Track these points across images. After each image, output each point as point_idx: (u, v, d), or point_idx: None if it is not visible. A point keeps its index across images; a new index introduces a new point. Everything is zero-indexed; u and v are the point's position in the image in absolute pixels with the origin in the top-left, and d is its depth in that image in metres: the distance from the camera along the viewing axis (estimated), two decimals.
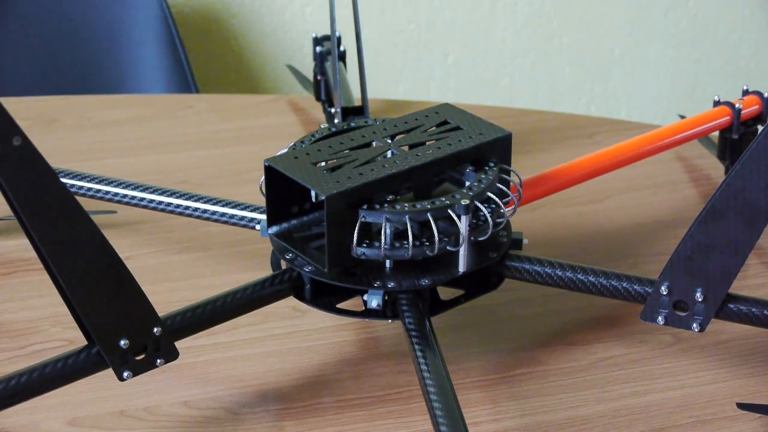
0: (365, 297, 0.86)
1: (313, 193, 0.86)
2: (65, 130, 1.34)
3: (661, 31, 2.18)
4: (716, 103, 1.15)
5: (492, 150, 0.88)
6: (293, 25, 2.02)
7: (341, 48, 1.30)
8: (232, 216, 0.97)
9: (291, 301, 0.88)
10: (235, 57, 2.03)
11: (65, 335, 0.95)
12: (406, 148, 0.87)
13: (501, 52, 2.13)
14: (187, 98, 1.53)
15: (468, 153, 0.87)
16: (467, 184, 0.85)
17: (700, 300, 0.83)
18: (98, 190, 1.01)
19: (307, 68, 1.44)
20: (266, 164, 0.84)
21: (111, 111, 1.39)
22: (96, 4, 1.80)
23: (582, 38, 2.15)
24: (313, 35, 1.36)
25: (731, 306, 0.84)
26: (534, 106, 2.17)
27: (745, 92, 1.16)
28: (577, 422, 0.86)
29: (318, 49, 1.32)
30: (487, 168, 0.87)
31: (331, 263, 0.82)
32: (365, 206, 0.81)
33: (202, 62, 2.00)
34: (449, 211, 0.82)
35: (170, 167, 1.25)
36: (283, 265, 0.88)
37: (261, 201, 0.88)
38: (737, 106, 1.13)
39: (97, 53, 1.81)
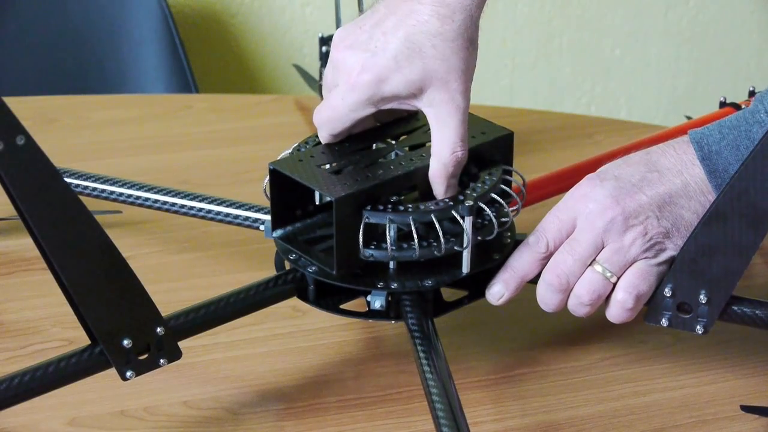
0: (368, 298, 0.86)
1: (317, 196, 0.86)
2: (65, 130, 1.33)
3: (661, 31, 2.18)
4: (722, 104, 1.14)
5: (494, 149, 0.88)
6: (293, 25, 2.01)
7: None
8: (236, 216, 0.97)
9: (291, 301, 0.88)
10: (235, 57, 2.03)
11: (65, 335, 0.95)
12: (408, 149, 0.87)
13: (501, 52, 2.13)
14: (187, 98, 1.53)
15: (470, 152, 0.86)
16: (471, 184, 0.85)
17: (703, 302, 0.83)
18: (102, 190, 1.01)
19: (307, 68, 1.44)
20: (271, 167, 0.83)
21: (111, 111, 1.38)
22: (96, 4, 1.80)
23: (582, 38, 2.15)
24: (320, 35, 1.35)
25: (735, 308, 0.84)
26: (534, 106, 2.17)
27: (751, 93, 1.16)
28: (577, 422, 0.86)
29: (324, 48, 1.31)
30: (490, 168, 0.87)
31: (340, 265, 0.82)
32: (369, 207, 0.81)
33: (202, 62, 1.99)
34: (453, 212, 0.82)
35: (170, 167, 1.24)
36: (287, 265, 0.88)
37: (262, 201, 0.88)
38: (743, 107, 1.13)
39: (97, 53, 1.81)
